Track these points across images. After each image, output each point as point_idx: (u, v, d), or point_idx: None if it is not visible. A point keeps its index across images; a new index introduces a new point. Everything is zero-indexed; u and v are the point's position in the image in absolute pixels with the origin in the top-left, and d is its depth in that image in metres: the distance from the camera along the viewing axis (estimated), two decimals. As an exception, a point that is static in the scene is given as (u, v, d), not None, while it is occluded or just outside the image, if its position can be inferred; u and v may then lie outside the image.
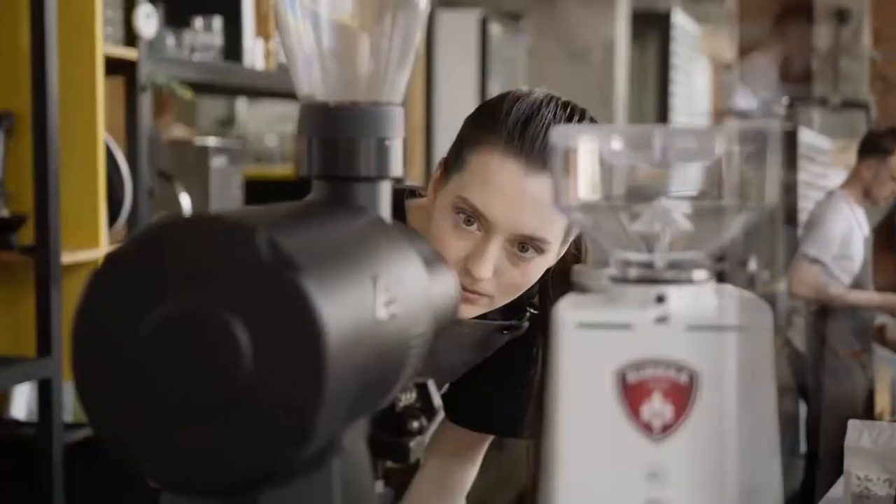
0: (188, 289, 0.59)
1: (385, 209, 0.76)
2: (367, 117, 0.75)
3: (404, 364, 0.71)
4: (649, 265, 0.67)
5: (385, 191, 0.76)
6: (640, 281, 0.67)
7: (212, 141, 3.32)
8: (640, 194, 0.69)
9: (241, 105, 5.50)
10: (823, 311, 4.32)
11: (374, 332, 0.64)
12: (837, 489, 1.95)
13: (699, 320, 0.64)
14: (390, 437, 0.82)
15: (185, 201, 2.96)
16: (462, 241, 1.25)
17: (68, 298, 2.36)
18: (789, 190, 5.42)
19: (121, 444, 0.61)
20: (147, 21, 2.69)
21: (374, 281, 0.66)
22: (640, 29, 6.73)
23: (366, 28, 0.77)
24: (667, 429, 0.65)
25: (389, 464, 0.85)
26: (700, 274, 0.67)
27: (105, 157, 2.53)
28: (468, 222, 1.24)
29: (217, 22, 3.18)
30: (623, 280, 0.68)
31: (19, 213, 2.37)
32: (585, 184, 0.68)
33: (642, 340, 0.65)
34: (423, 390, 0.82)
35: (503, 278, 1.26)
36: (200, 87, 3.46)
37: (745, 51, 7.42)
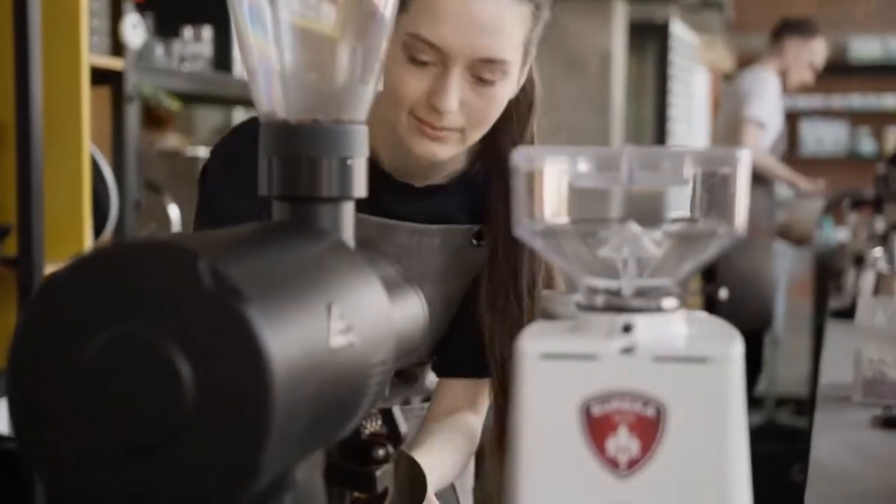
0: (128, 317, 0.56)
1: (348, 231, 0.73)
2: (329, 136, 0.72)
3: (363, 393, 0.68)
4: (617, 292, 0.65)
5: (348, 212, 0.74)
6: (607, 309, 0.64)
7: (203, 151, 3.29)
8: (609, 218, 0.66)
9: (239, 114, 5.47)
10: None
11: (327, 362, 0.61)
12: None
13: (667, 351, 0.62)
14: (356, 466, 0.79)
15: (174, 213, 2.93)
16: (420, 80, 1.24)
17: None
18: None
19: (57, 478, 0.58)
20: (134, 31, 2.66)
21: (329, 308, 0.63)
22: (637, 39, 6.71)
23: (327, 42, 0.75)
24: (633, 464, 0.62)
25: (356, 494, 0.82)
26: (669, 302, 0.64)
27: (91, 167, 2.50)
28: (423, 61, 1.23)
29: (207, 31, 3.15)
30: (590, 308, 0.65)
31: (3, 224, 2.34)
32: (550, 207, 0.65)
33: (608, 372, 0.62)
34: (388, 416, 0.79)
35: (470, 109, 1.25)
36: (191, 97, 3.43)
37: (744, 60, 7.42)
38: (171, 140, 4.33)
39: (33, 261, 2.29)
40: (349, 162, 0.72)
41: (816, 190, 4.82)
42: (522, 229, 0.65)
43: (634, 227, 0.64)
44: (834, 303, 3.37)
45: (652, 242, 0.64)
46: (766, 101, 4.51)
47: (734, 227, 0.65)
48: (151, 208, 2.86)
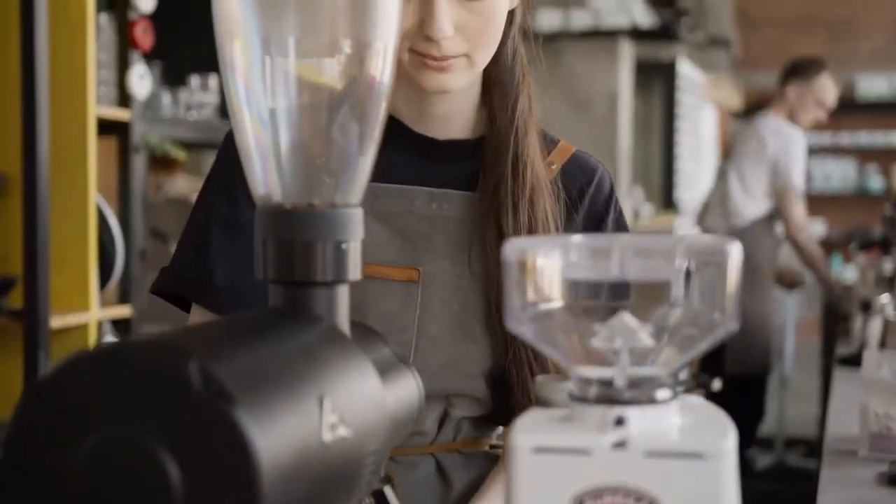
0: (117, 421, 0.56)
1: (342, 315, 0.73)
2: (324, 220, 0.72)
3: (356, 483, 0.67)
4: (609, 383, 0.64)
5: (343, 296, 0.74)
6: (600, 401, 0.64)
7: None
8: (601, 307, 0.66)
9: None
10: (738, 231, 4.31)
11: (319, 458, 0.61)
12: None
13: (659, 445, 0.61)
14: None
15: (180, 260, 2.93)
16: (408, 13, 1.16)
17: (58, 362, 2.33)
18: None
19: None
20: (141, 82, 2.68)
21: (321, 401, 0.63)
22: (644, 78, 6.73)
23: (324, 122, 0.74)
24: (626, 561, 0.61)
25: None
26: (663, 393, 0.64)
27: (97, 218, 2.50)
28: None
29: (213, 80, 3.17)
30: (582, 399, 0.64)
31: (8, 275, 2.34)
32: (541, 297, 0.65)
33: (600, 466, 0.61)
34: (380, 498, 0.79)
35: (467, 30, 1.19)
36: (198, 145, 3.44)
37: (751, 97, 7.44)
38: (179, 181, 4.34)
39: (39, 312, 2.29)
40: (344, 246, 0.72)
41: (841, 296, 4.74)
42: (514, 320, 0.65)
43: (627, 319, 0.64)
44: (842, 349, 3.35)
45: (645, 333, 0.64)
46: (802, 163, 4.48)
47: (727, 316, 0.65)
48: (157, 256, 2.86)
